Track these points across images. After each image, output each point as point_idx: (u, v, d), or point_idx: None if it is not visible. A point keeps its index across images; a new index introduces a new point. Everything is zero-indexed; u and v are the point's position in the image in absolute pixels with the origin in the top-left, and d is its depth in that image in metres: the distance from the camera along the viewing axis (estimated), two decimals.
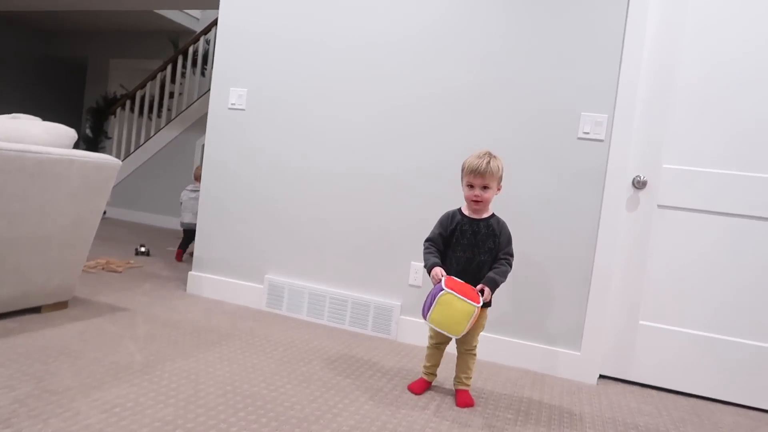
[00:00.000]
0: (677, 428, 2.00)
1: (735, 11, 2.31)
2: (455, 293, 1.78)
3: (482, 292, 1.85)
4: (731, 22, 2.31)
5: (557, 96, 2.44)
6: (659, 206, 2.40)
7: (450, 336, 1.88)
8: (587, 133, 2.40)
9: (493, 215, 1.97)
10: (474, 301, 1.78)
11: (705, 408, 2.26)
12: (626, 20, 2.34)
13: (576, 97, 2.41)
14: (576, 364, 2.41)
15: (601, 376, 2.47)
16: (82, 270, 3.24)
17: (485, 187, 1.90)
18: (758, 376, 2.29)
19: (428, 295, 1.85)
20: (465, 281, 1.87)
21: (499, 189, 1.96)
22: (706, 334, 2.35)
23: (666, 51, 2.38)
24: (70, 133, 2.39)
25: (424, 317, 1.83)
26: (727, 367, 2.33)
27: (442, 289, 1.79)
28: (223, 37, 3.05)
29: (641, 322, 2.43)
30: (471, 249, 1.92)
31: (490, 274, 1.90)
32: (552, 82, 2.45)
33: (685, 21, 2.36)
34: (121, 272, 3.41)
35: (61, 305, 2.47)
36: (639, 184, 2.40)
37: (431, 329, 1.98)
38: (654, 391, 2.39)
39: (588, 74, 2.40)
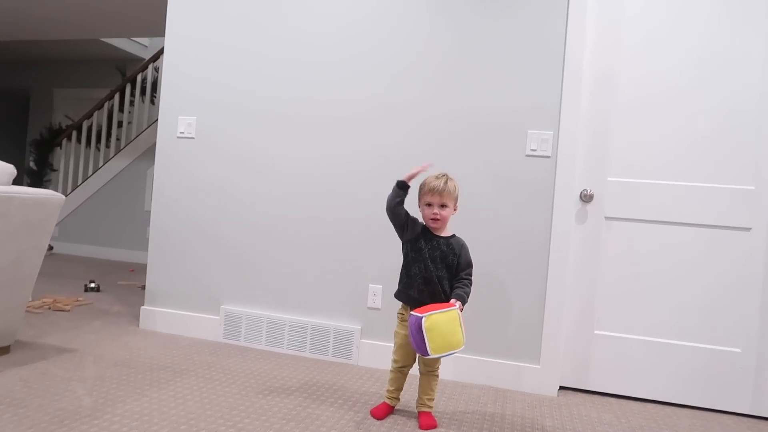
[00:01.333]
0: None
1: (668, 30, 2.43)
2: (431, 312, 1.79)
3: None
4: (665, 42, 2.43)
5: (506, 116, 2.50)
6: (606, 218, 2.48)
7: (455, 352, 1.82)
8: (534, 150, 2.46)
9: (453, 236, 2.00)
10: (450, 307, 1.82)
11: (662, 412, 2.31)
12: (566, 41, 2.43)
13: (523, 116, 2.48)
14: (536, 378, 2.44)
15: (562, 388, 2.50)
16: (26, 311, 3.09)
17: (443, 206, 1.94)
18: (710, 378, 2.37)
19: (410, 333, 1.81)
20: (428, 292, 1.91)
21: (455, 209, 1.99)
22: (657, 339, 2.42)
23: (604, 70, 2.48)
24: (8, 170, 2.29)
25: (426, 355, 1.78)
26: (681, 371, 2.40)
27: (421, 318, 1.76)
28: (169, 64, 3.01)
29: (596, 331, 2.48)
30: (432, 262, 1.93)
31: (457, 291, 1.92)
32: (501, 102, 2.51)
33: (621, 42, 2.47)
34: (69, 311, 3.26)
35: (3, 351, 2.33)
36: (586, 198, 2.47)
37: (395, 355, 1.99)
38: (613, 399, 2.43)
39: (533, 93, 2.47)
